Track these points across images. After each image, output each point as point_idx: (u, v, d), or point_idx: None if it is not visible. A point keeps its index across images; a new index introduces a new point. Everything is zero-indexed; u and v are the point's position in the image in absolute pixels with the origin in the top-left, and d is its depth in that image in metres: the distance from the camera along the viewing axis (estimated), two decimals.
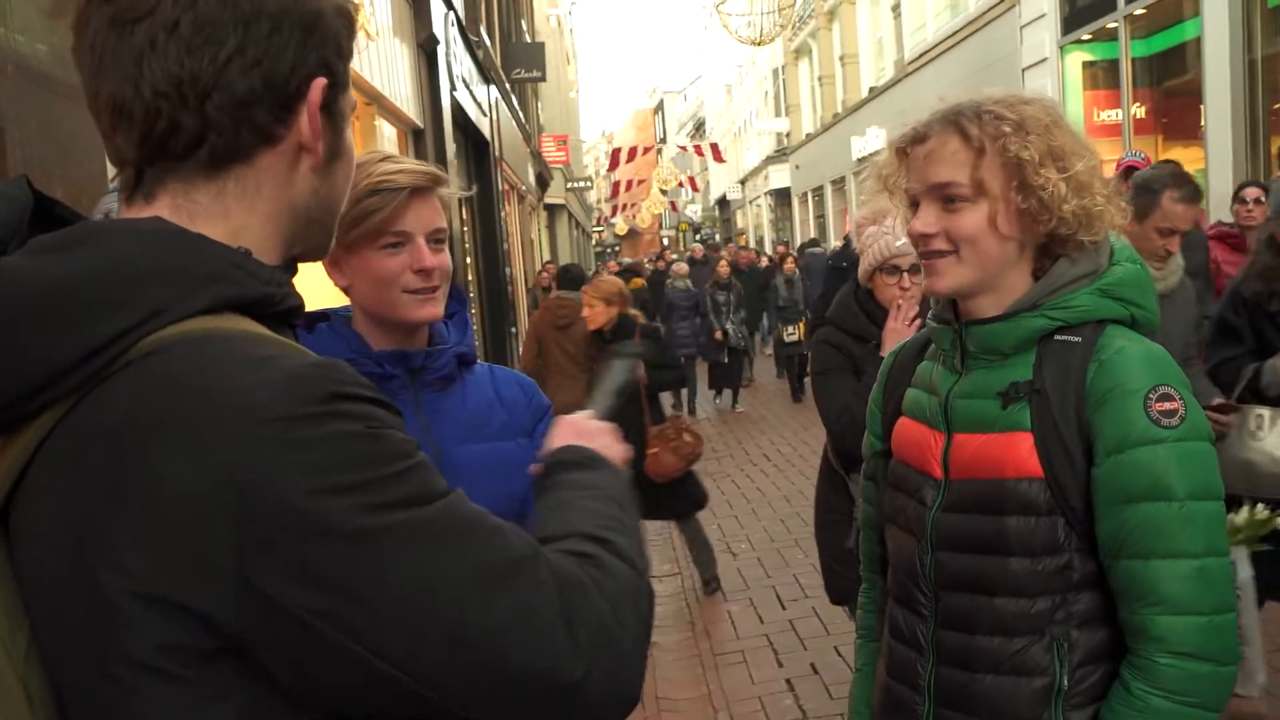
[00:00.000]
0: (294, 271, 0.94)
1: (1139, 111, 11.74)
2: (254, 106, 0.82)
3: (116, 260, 0.77)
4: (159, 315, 0.76)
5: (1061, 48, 12.65)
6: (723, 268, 12.62)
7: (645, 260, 18.68)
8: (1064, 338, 1.43)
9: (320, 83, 0.86)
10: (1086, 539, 1.39)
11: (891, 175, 1.53)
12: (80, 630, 0.73)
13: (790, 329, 12.13)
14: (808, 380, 11.65)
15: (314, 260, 0.97)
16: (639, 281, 13.17)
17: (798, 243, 21.63)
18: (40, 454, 0.75)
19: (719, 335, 12.04)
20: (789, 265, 13.00)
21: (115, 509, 0.71)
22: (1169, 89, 11.56)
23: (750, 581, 5.80)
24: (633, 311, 6.06)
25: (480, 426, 1.61)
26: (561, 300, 7.05)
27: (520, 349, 13.94)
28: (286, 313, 0.87)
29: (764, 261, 16.48)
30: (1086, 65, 12.69)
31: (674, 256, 19.59)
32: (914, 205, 1.50)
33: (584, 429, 1.17)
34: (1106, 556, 1.38)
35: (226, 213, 0.85)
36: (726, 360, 11.97)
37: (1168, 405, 1.34)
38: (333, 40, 0.87)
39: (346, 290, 1.57)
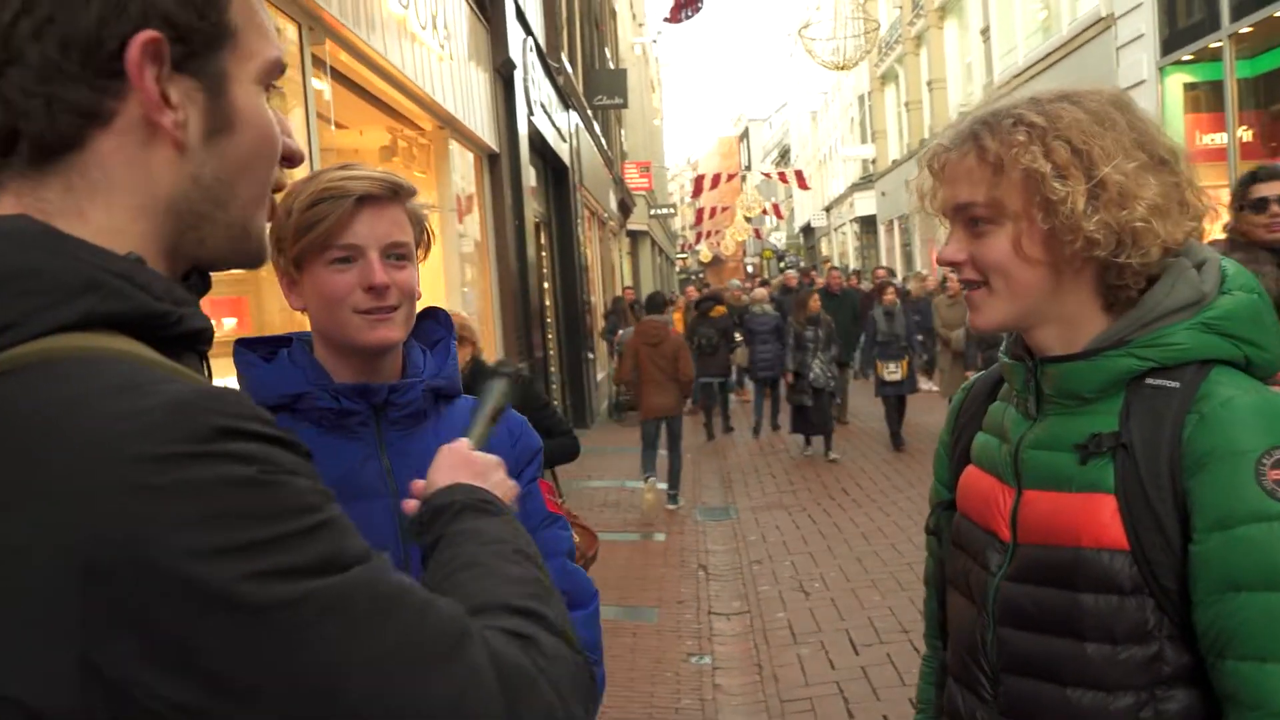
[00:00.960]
0: (203, 286, 0.79)
1: (1245, 135, 11.18)
2: (56, 79, 0.66)
3: None
4: (8, 330, 0.62)
5: (1161, 69, 12.15)
6: (814, 303, 11.09)
7: (735, 285, 18.38)
8: (1157, 382, 1.20)
9: (144, 37, 0.67)
10: (1182, 625, 1.16)
11: (928, 194, 1.35)
12: None
13: (892, 366, 10.83)
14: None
15: (234, 266, 0.80)
16: (721, 309, 13.05)
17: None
18: None
19: (789, 377, 10.88)
20: (889, 296, 11.67)
21: None
22: (1278, 110, 11.00)
23: (822, 624, 5.53)
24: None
25: None
26: (651, 322, 8.93)
27: (597, 372, 14.20)
28: (190, 337, 0.72)
29: (857, 283, 15.60)
30: (1188, 87, 12.16)
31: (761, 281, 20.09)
32: None
33: (472, 462, 1.06)
34: (1209, 653, 1.14)
35: (81, 212, 0.69)
36: (811, 403, 10.57)
37: None
38: None
39: (305, 313, 1.42)
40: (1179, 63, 11.97)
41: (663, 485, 8.68)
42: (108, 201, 0.70)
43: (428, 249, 1.45)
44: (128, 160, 0.70)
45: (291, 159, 0.81)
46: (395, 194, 1.38)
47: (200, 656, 0.57)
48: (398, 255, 1.38)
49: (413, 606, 0.65)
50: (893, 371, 10.87)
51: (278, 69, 0.77)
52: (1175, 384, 1.19)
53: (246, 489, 0.60)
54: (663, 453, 8.73)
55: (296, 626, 0.59)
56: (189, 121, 0.71)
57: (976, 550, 1.35)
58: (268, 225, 0.81)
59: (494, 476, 1.06)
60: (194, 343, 0.73)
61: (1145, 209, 1.19)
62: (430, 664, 0.64)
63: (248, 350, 1.43)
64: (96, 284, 0.65)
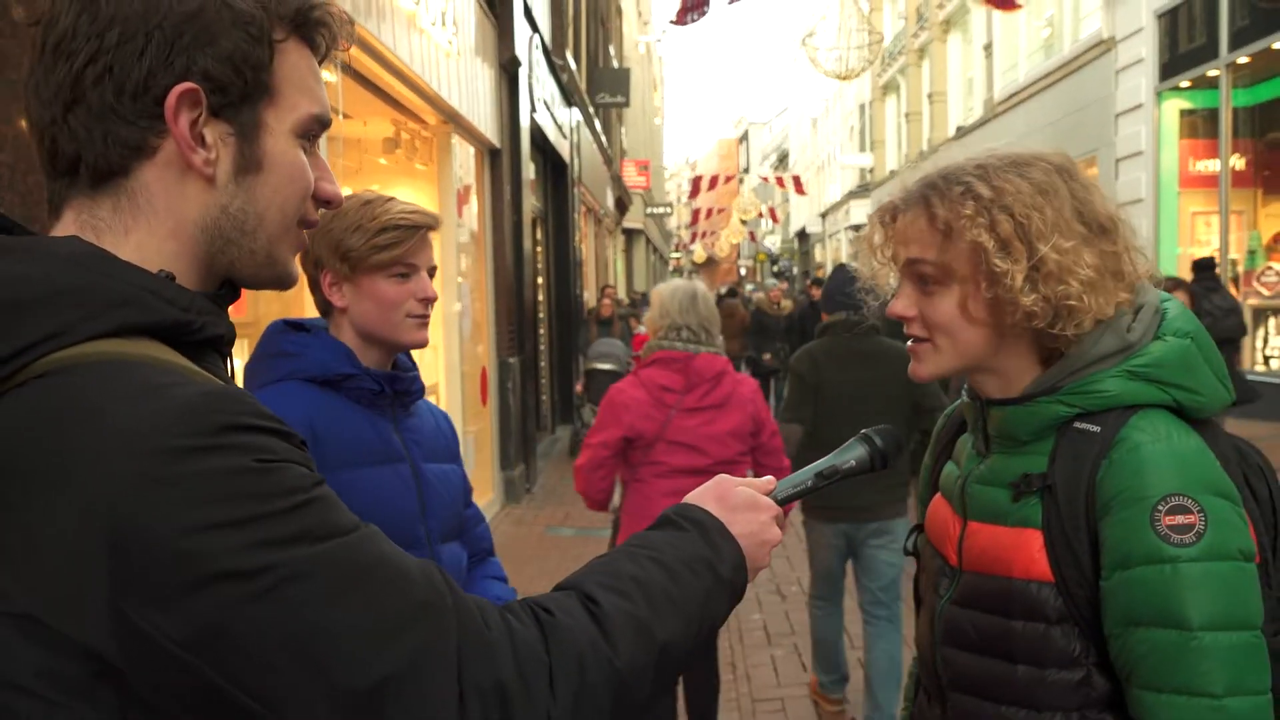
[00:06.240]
0: (230, 296, 0.90)
1: (1238, 163, 11.34)
2: (110, 118, 0.80)
3: (16, 279, 0.75)
4: (56, 337, 0.74)
5: (1158, 94, 12.30)
6: None
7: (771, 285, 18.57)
8: (1083, 426, 1.26)
9: (181, 89, 0.80)
10: (1106, 653, 1.24)
11: (881, 246, 1.41)
12: None
13: None
14: None
15: (262, 288, 0.92)
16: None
17: None
18: None
19: None
20: None
21: None
22: (1272, 140, 11.14)
23: (797, 627, 5.63)
24: None
25: (436, 448, 1.80)
26: (726, 303, 13.99)
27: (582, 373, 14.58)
28: (211, 341, 0.84)
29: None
30: (1184, 113, 12.32)
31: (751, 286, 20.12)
32: None
33: (728, 495, 1.03)
34: (1123, 679, 1.23)
35: (126, 230, 0.83)
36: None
37: (1180, 519, 1.16)
38: (214, 45, 0.80)
39: (343, 310, 1.72)
40: (1176, 88, 12.12)
41: None
42: (148, 222, 0.83)
43: None
44: (166, 189, 0.83)
45: (330, 202, 0.93)
46: (435, 226, 1.76)
47: (196, 608, 0.68)
48: (432, 274, 1.77)
49: (387, 574, 0.75)
50: None
51: (318, 124, 0.89)
52: (1096, 429, 1.25)
53: (242, 475, 0.71)
54: None
55: (274, 585, 0.70)
56: (220, 160, 0.83)
57: (932, 574, 1.44)
58: (295, 256, 0.92)
59: (745, 515, 1.02)
60: (216, 345, 0.85)
61: (1080, 285, 1.24)
62: (392, 627, 0.73)
63: (294, 330, 1.71)
64: (129, 299, 0.77)
